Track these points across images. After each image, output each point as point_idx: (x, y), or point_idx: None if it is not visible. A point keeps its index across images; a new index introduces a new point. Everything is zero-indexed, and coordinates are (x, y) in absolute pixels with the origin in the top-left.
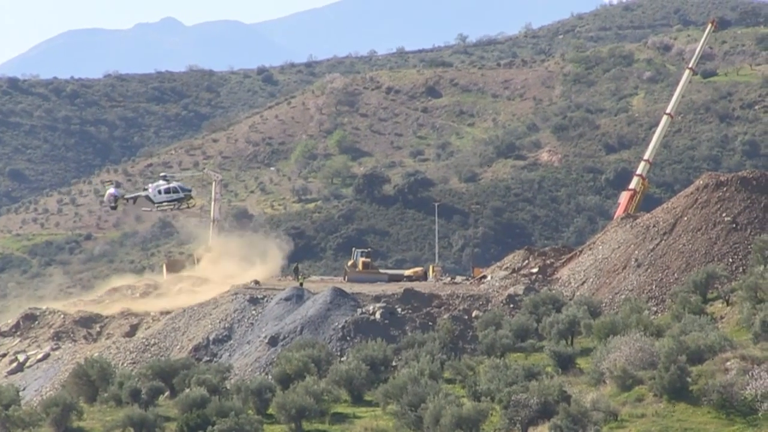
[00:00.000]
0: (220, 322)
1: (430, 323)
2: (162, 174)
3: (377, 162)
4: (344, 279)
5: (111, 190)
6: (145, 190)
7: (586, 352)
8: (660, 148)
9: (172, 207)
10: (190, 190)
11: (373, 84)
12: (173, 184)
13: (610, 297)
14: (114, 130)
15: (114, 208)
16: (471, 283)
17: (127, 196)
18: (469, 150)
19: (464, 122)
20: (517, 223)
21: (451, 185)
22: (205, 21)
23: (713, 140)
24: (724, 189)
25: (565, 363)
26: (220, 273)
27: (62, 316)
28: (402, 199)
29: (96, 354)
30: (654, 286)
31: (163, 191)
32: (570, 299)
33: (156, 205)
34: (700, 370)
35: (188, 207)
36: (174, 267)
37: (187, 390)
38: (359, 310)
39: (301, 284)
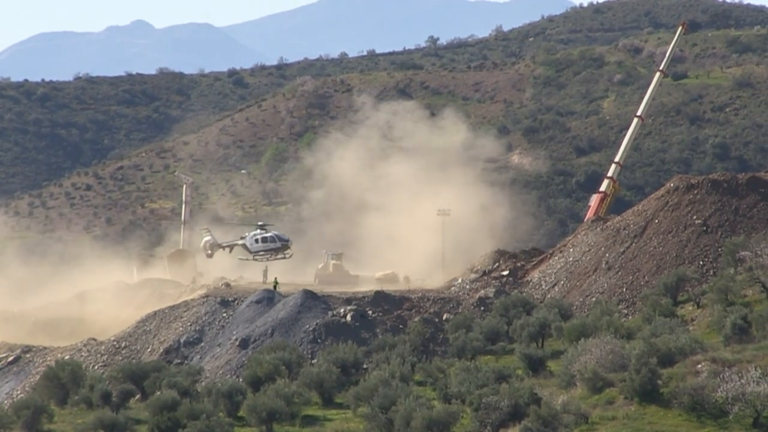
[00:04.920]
0: (191, 325)
1: (400, 326)
2: (259, 223)
3: None
4: (315, 281)
5: (207, 237)
6: (243, 238)
7: (556, 354)
8: (630, 150)
9: (268, 257)
10: (287, 240)
11: (343, 86)
12: (270, 234)
13: (581, 299)
14: (84, 133)
15: (210, 256)
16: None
17: (223, 244)
18: None
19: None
20: None
21: None
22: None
23: (684, 143)
24: (695, 192)
25: (536, 365)
26: None
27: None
28: None
29: (67, 356)
30: (625, 289)
31: (260, 240)
32: (541, 302)
33: (252, 254)
34: (671, 372)
35: (284, 257)
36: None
37: (158, 393)
38: (330, 313)
39: (275, 287)
